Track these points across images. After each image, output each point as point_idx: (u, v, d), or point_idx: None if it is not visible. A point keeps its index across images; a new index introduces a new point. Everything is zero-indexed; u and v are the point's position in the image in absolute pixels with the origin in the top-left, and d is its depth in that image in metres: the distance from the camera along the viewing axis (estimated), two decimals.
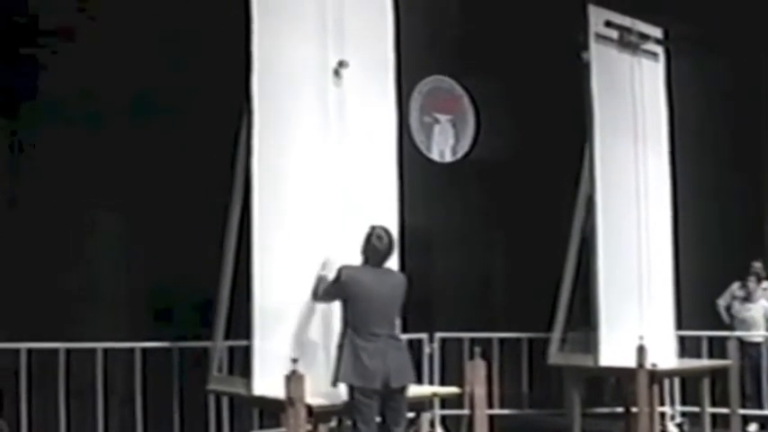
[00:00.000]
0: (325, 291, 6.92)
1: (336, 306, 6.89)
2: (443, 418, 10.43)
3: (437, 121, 11.44)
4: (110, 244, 9.09)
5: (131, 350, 8.67)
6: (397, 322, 6.84)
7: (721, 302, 11.46)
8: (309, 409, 6.46)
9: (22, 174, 8.49)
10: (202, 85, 8.88)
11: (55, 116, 8.64)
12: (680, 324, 10.32)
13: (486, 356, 9.44)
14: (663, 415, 10.51)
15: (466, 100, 11.65)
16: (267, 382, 6.76)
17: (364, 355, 6.54)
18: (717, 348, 10.79)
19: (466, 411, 8.33)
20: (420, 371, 9.39)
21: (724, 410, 10.13)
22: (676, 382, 11.00)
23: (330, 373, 6.70)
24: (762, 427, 10.99)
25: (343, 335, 6.66)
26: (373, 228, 6.81)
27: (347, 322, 6.67)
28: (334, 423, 7.20)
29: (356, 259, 6.81)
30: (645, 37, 10.16)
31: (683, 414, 11.07)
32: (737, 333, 11.02)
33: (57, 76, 8.73)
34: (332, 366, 6.71)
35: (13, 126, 8.61)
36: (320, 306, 7.04)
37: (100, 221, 9.07)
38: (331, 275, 6.91)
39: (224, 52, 7.56)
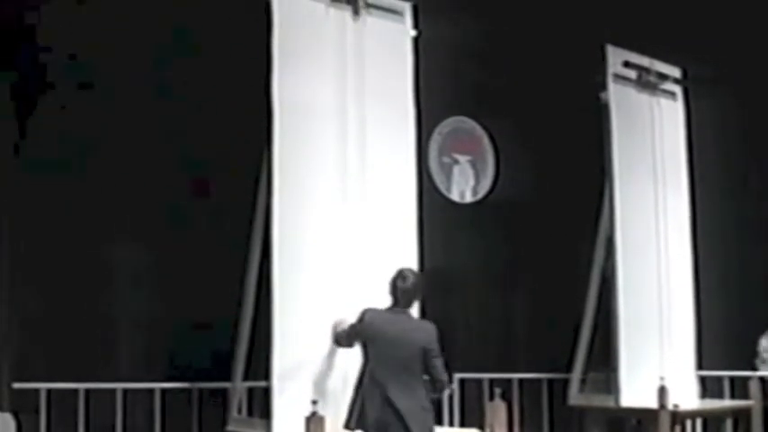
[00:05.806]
0: (346, 333, 6.92)
1: (357, 347, 6.87)
2: None
3: (456, 161, 11.43)
4: (129, 284, 9.09)
5: (151, 391, 8.67)
6: (415, 368, 6.62)
7: None
8: None
9: (39, 211, 8.50)
10: (224, 131, 8.92)
11: (77, 157, 8.68)
12: (701, 364, 10.27)
13: (507, 397, 9.43)
14: None
15: (486, 141, 11.65)
16: (287, 423, 6.75)
17: (379, 398, 6.48)
18: (739, 388, 10.71)
19: None
20: (440, 412, 9.33)
21: None
22: (698, 423, 10.89)
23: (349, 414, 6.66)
24: None
25: (361, 377, 6.62)
26: (400, 270, 6.78)
27: (366, 364, 6.63)
28: None
29: (377, 303, 6.80)
30: (663, 77, 10.19)
31: None
32: (760, 373, 10.93)
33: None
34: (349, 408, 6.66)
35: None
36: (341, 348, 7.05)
37: (119, 262, 9.07)
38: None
39: (245, 101, 7.64)
